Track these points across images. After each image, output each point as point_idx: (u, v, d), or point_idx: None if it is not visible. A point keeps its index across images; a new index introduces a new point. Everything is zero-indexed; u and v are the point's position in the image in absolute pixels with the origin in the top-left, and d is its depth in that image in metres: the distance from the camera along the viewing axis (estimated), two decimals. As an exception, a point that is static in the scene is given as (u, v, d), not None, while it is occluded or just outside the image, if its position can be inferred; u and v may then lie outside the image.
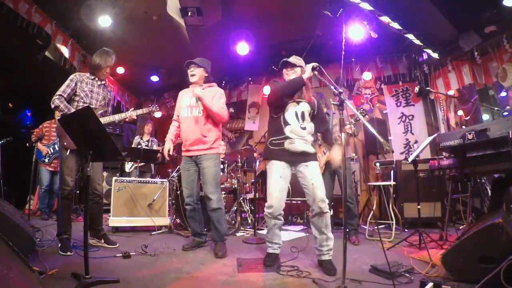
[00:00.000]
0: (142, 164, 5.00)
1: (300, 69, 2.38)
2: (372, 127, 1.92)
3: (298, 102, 2.36)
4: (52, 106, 2.56)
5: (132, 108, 2.91)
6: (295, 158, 2.29)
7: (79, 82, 2.67)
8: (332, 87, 1.99)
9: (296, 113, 2.33)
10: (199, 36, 4.51)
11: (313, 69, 2.17)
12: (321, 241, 2.20)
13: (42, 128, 4.69)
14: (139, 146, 4.92)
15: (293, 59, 2.40)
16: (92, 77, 2.76)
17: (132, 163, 5.06)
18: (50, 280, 1.79)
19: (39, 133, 4.61)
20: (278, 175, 2.30)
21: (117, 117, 2.77)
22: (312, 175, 2.24)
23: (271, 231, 2.36)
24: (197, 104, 2.80)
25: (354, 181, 4.71)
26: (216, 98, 2.83)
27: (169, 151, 2.88)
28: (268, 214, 2.31)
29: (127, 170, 5.16)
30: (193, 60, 2.83)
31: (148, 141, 5.27)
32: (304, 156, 2.28)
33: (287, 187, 2.37)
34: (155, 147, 5.17)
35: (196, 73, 2.83)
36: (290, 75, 2.38)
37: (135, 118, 2.90)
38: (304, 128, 2.31)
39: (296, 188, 4.13)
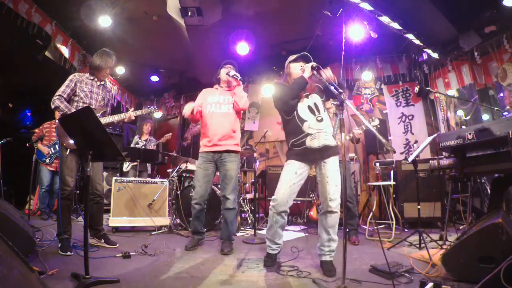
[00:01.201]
0: (137, 163, 4.93)
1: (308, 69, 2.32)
2: (375, 130, 1.92)
3: (307, 96, 2.31)
4: (52, 106, 2.56)
5: (132, 109, 2.90)
6: (316, 156, 2.22)
7: (79, 82, 2.67)
8: (332, 87, 1.99)
9: (309, 107, 2.27)
10: (199, 36, 4.51)
11: (312, 69, 2.18)
12: (323, 240, 2.17)
13: (42, 128, 4.69)
14: (137, 146, 4.91)
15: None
16: (92, 78, 2.76)
17: (129, 162, 5.04)
18: (50, 280, 1.79)
19: (39, 134, 4.61)
20: (293, 171, 2.23)
21: (116, 118, 2.78)
22: (328, 172, 2.18)
23: (272, 229, 2.28)
24: (227, 102, 2.91)
25: (354, 181, 4.72)
26: None
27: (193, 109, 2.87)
28: (273, 207, 2.24)
29: (124, 169, 5.15)
30: (233, 61, 3.03)
31: (146, 140, 5.22)
32: (324, 152, 2.20)
33: (300, 186, 2.26)
34: (149, 146, 5.11)
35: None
36: (298, 70, 2.32)
37: (134, 118, 2.91)
38: (321, 120, 2.24)
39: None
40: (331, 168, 2.20)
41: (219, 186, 3.42)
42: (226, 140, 2.83)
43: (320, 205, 2.27)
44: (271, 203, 2.28)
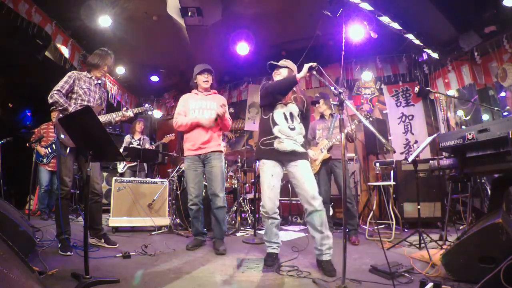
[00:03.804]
0: (134, 163, 4.81)
1: (286, 70, 2.45)
2: (373, 128, 1.92)
3: (286, 104, 2.41)
4: (50, 101, 2.52)
5: (125, 108, 2.92)
6: (285, 157, 2.33)
7: (77, 79, 2.66)
8: (332, 87, 1.99)
9: (284, 114, 2.38)
10: (199, 36, 4.51)
11: (312, 69, 2.16)
12: (319, 240, 2.18)
13: (40, 130, 4.69)
14: (131, 146, 4.78)
15: (282, 61, 2.50)
16: (90, 76, 2.76)
17: (125, 163, 4.88)
18: (50, 280, 1.79)
19: (37, 135, 4.60)
20: (269, 174, 2.33)
21: (114, 116, 2.79)
22: (302, 174, 2.26)
23: (269, 231, 2.38)
24: (209, 107, 2.96)
25: (354, 181, 4.72)
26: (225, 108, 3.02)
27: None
28: (264, 213, 2.34)
29: (119, 171, 4.93)
30: (209, 68, 3.01)
31: (139, 139, 5.02)
32: (294, 156, 2.31)
33: (280, 185, 2.39)
34: (147, 146, 4.95)
35: (210, 80, 3.02)
36: (276, 76, 2.49)
37: (132, 116, 2.94)
38: (292, 129, 2.35)
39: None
40: (304, 169, 2.28)
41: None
42: (209, 143, 2.90)
43: (304, 207, 2.29)
44: (261, 209, 2.37)
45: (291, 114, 2.39)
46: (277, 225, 2.38)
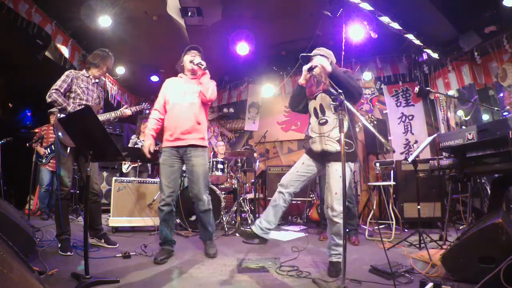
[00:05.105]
0: (138, 164, 4.84)
1: (320, 58, 2.18)
2: (372, 128, 1.92)
3: (315, 97, 2.25)
4: (49, 100, 2.51)
5: (125, 106, 2.92)
6: (319, 159, 2.22)
7: (75, 78, 2.66)
8: (331, 88, 1.98)
9: (315, 109, 2.23)
10: (199, 36, 4.51)
11: (311, 69, 2.14)
12: (329, 244, 2.18)
13: (40, 131, 4.70)
14: (136, 146, 4.84)
15: (315, 50, 2.27)
16: (88, 75, 2.77)
17: (129, 163, 4.93)
18: (50, 280, 1.79)
19: (39, 135, 4.61)
20: (301, 161, 2.29)
21: (113, 114, 2.80)
22: (329, 178, 2.13)
23: (267, 208, 2.26)
24: (192, 91, 2.64)
25: (354, 181, 4.72)
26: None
27: (149, 147, 2.63)
28: (278, 187, 2.27)
29: (124, 170, 4.99)
30: (196, 46, 2.73)
31: (144, 140, 5.11)
32: (326, 157, 2.16)
33: (304, 177, 2.24)
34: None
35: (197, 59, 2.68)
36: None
37: (130, 113, 2.91)
38: (324, 123, 2.15)
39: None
40: (331, 174, 2.12)
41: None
42: (190, 133, 2.54)
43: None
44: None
45: (321, 106, 2.19)
46: (275, 206, 2.20)
